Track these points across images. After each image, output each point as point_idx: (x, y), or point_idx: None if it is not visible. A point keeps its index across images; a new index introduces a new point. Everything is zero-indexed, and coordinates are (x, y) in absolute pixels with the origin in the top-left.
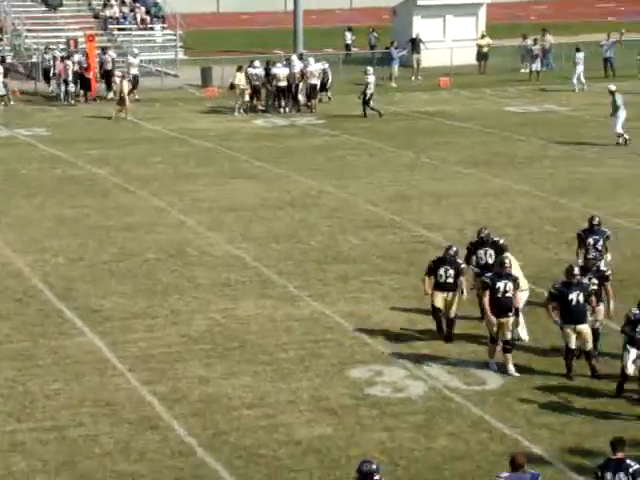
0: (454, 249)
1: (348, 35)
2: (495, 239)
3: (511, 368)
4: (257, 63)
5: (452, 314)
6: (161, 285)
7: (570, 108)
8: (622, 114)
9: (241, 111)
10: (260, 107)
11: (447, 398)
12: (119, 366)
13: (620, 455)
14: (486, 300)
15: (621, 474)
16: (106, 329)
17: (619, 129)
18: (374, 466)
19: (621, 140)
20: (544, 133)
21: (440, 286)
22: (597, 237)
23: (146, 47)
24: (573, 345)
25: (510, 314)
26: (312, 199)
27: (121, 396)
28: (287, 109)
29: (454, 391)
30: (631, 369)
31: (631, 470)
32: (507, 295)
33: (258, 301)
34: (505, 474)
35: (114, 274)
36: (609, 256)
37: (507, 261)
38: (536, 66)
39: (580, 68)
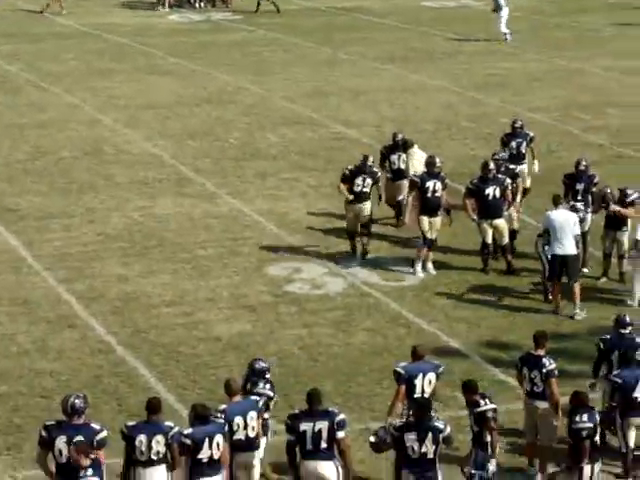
0: (371, 159)
1: None
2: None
3: (430, 266)
4: None
5: (367, 229)
6: (77, 184)
7: (485, 3)
8: (505, 12)
9: (166, 6)
10: (173, 1)
11: (365, 294)
12: (35, 265)
13: (540, 352)
14: (410, 199)
15: (536, 371)
16: (21, 228)
17: (504, 28)
18: (266, 364)
19: (508, 37)
20: (460, 28)
21: (355, 195)
22: (520, 140)
23: None
24: (489, 240)
25: (439, 213)
26: (229, 95)
27: (38, 295)
28: (202, 4)
29: (372, 287)
30: None
31: (544, 370)
32: (436, 194)
33: (176, 199)
34: (403, 363)
35: (29, 173)
36: (536, 163)
37: (437, 160)
38: None
39: None
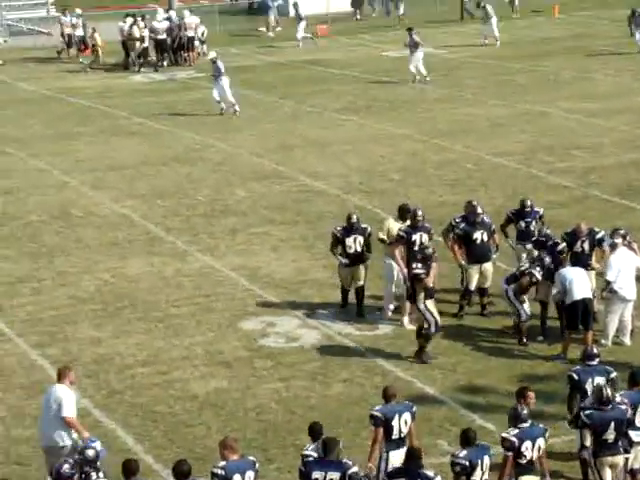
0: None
1: None
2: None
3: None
4: (129, 19)
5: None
6: (46, 247)
7: (448, 51)
8: (226, 82)
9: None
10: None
11: (341, 345)
12: (7, 331)
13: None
14: (397, 252)
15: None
16: None
17: (218, 97)
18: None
19: (231, 110)
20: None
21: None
22: (529, 220)
23: (14, 5)
24: (473, 286)
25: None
26: (196, 153)
27: (11, 361)
28: (165, 64)
29: (347, 337)
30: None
31: None
32: (422, 247)
33: (147, 258)
34: (378, 407)
35: None
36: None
37: (419, 212)
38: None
39: None
